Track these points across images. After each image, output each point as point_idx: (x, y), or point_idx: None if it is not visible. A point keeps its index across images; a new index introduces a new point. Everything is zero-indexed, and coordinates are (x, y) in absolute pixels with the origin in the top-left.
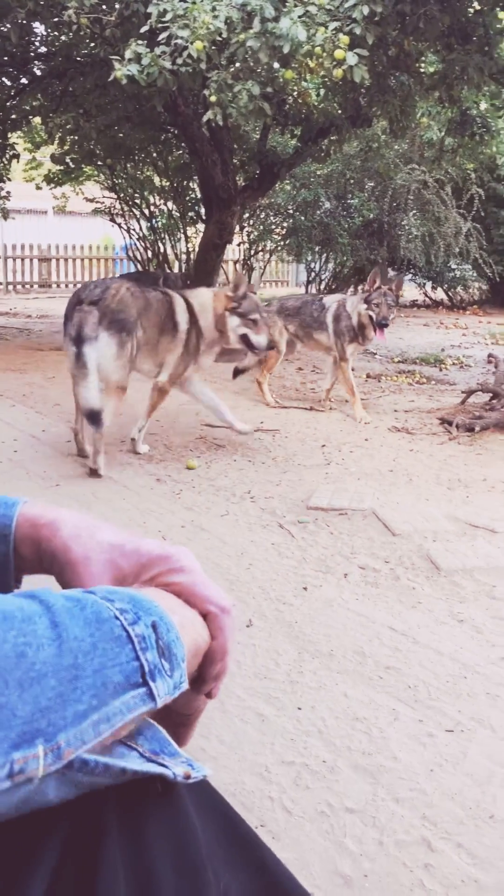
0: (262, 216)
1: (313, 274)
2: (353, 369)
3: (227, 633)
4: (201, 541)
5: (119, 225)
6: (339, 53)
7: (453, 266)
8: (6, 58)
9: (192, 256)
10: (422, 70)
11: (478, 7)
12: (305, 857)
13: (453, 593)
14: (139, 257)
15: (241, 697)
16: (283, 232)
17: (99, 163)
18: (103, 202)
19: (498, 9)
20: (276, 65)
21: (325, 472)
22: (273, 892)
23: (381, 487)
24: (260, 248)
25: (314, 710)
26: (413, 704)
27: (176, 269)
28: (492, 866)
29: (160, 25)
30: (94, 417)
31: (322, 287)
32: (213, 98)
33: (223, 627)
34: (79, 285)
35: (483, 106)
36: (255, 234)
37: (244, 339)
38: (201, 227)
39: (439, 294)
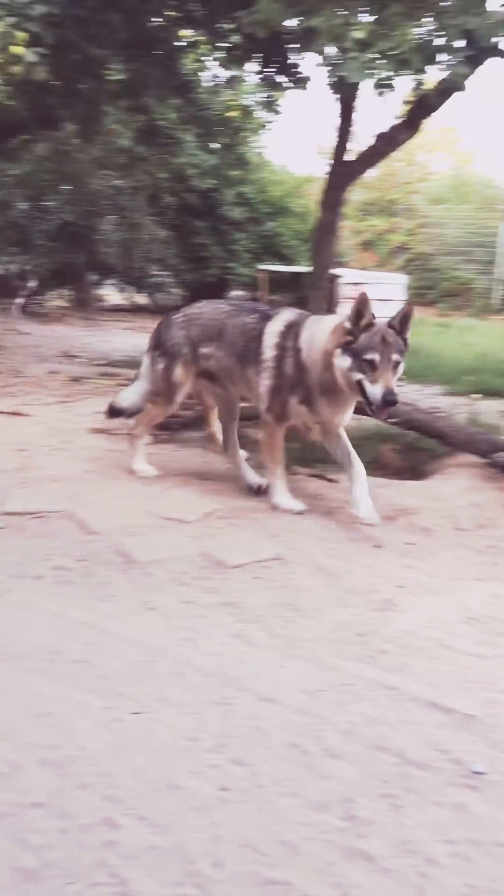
0: None
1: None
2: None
3: None
4: None
5: None
6: (16, 49)
7: (153, 272)
8: None
9: None
10: (108, 77)
11: (162, 22)
12: None
13: (146, 584)
14: None
15: None
16: None
17: None
18: None
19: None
20: None
21: (23, 477)
22: None
23: (80, 488)
24: None
25: (2, 713)
26: (102, 693)
27: None
28: (169, 832)
29: None
30: (111, 411)
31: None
32: None
33: None
34: None
35: (173, 116)
36: None
37: (360, 387)
38: None
39: (142, 298)
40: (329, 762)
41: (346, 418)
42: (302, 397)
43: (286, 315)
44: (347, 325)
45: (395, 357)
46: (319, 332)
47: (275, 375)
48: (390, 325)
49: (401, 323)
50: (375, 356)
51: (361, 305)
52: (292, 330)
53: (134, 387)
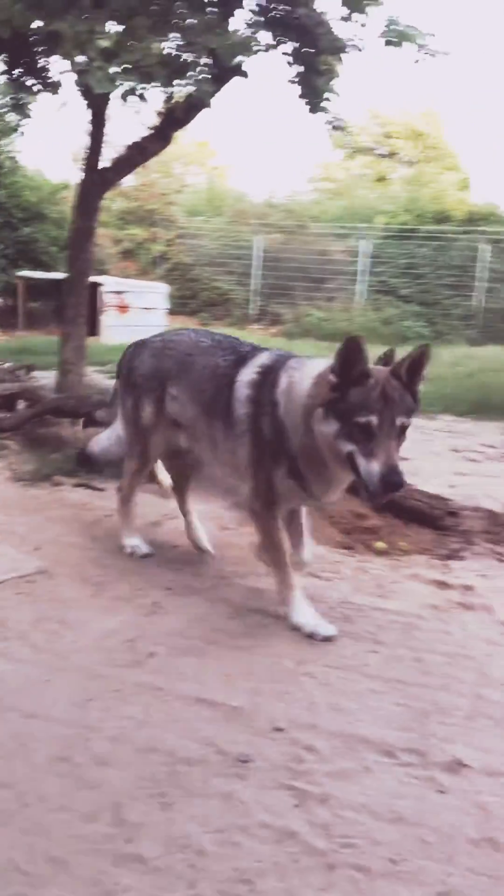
0: None
1: None
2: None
3: None
4: None
5: None
6: None
7: None
8: None
9: None
10: None
11: None
12: None
13: None
14: None
15: None
16: None
17: None
18: None
19: None
20: None
21: None
22: None
23: None
24: None
25: None
26: None
27: None
28: None
29: None
30: (81, 458)
31: None
32: None
33: None
34: None
35: None
36: None
37: (351, 462)
38: None
39: None
40: (98, 771)
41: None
42: (288, 469)
43: (262, 358)
44: (332, 376)
45: (399, 420)
46: (299, 380)
47: (253, 441)
48: (394, 374)
49: (410, 371)
50: (372, 419)
51: (351, 350)
52: (269, 378)
53: (111, 429)
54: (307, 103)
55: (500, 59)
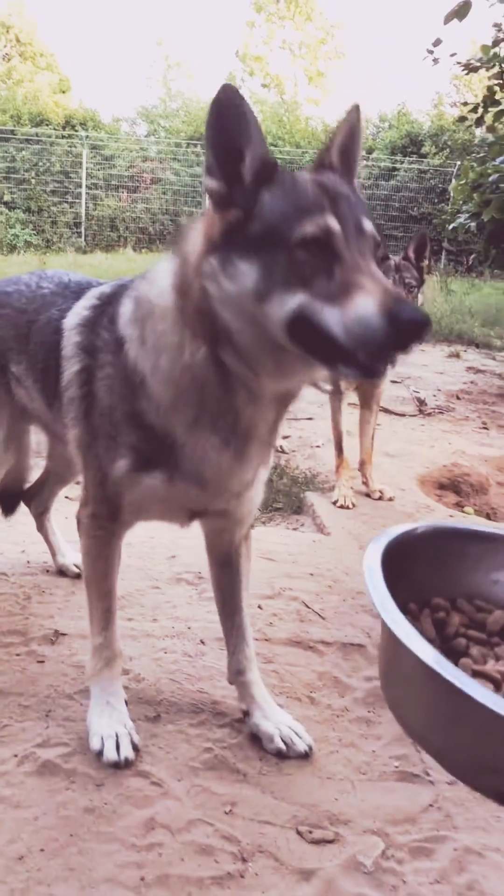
0: None
1: None
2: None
3: None
4: None
5: None
6: None
7: None
8: None
9: None
10: None
11: None
12: None
13: None
14: None
15: None
16: None
17: None
18: None
19: None
20: None
21: None
22: None
23: None
24: None
25: None
26: None
27: None
28: None
29: None
30: None
31: None
32: None
33: None
34: None
35: None
36: None
37: (300, 324)
38: None
39: None
40: None
41: (255, 492)
42: (146, 453)
43: (97, 290)
44: (213, 181)
45: (368, 227)
46: (153, 283)
47: (85, 412)
48: (321, 165)
49: (344, 152)
50: (329, 222)
51: (228, 108)
52: (107, 311)
53: None
54: None
55: None
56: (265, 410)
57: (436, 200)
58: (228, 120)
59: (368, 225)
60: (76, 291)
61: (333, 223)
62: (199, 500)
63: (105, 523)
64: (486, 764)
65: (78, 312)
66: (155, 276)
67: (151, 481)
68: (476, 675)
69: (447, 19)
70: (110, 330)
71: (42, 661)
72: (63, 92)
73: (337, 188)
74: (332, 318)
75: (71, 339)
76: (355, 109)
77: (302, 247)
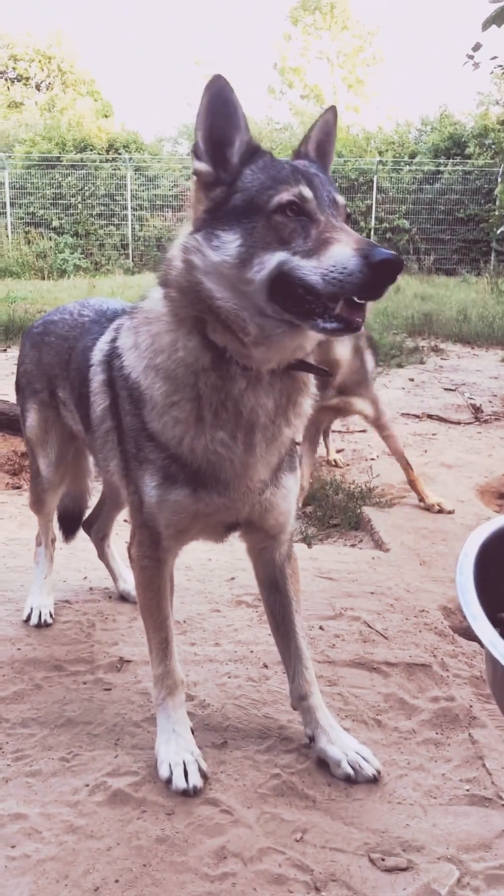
0: None
1: None
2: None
3: None
4: None
5: None
6: None
7: None
8: None
9: None
10: None
11: None
12: None
13: None
14: None
15: None
16: None
17: None
18: None
19: None
20: None
21: None
22: None
23: None
24: None
25: None
26: None
27: None
28: None
29: None
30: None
31: None
32: None
33: None
34: None
35: None
36: None
37: (281, 281)
38: None
39: None
40: None
41: (280, 497)
42: (168, 469)
43: (117, 321)
44: (200, 163)
45: (341, 199)
46: (151, 293)
47: (117, 443)
48: (299, 155)
49: (320, 145)
50: (302, 190)
51: (219, 95)
52: (117, 345)
53: None
54: None
55: None
56: (263, 396)
57: (482, 202)
58: (220, 108)
59: (340, 198)
60: (111, 318)
61: (307, 191)
62: (225, 508)
63: (150, 552)
64: None
65: (101, 348)
66: (147, 294)
67: (178, 497)
68: None
69: (485, 26)
70: (119, 360)
71: (109, 689)
72: (106, 116)
73: (310, 169)
74: (310, 268)
75: (97, 374)
76: (331, 110)
77: (279, 211)
